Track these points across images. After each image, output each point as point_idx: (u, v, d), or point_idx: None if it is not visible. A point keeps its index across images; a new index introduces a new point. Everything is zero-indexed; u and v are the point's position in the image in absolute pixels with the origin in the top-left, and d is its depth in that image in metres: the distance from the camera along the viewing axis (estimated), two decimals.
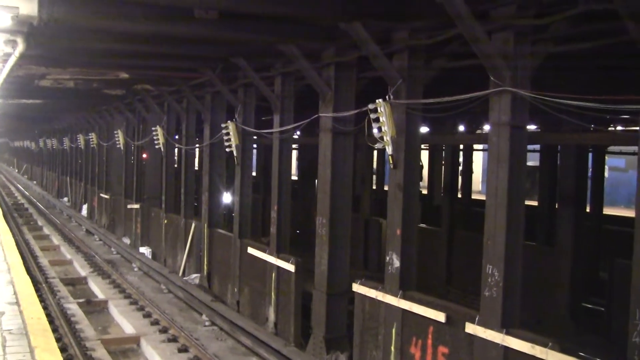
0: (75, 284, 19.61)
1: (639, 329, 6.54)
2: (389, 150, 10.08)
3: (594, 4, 7.10)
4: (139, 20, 10.01)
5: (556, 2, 7.66)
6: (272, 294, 13.96)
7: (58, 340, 11.73)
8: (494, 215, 8.38)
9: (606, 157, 20.32)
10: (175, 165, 24.41)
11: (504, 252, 8.22)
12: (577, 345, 9.59)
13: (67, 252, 24.35)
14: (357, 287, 11.15)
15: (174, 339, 13.81)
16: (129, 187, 27.05)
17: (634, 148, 6.93)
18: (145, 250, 23.48)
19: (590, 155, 17.52)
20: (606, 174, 29.38)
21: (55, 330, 12.83)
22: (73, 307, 15.61)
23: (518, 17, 8.06)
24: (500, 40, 8.23)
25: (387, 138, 10.04)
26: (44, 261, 21.30)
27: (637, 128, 7.04)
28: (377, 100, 10.03)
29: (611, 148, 20.14)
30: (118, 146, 27.56)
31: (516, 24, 8.07)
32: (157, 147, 22.28)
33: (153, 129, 22.20)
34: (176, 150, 23.76)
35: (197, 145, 20.97)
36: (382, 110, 9.97)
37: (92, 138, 32.32)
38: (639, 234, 6.69)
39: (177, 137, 22.47)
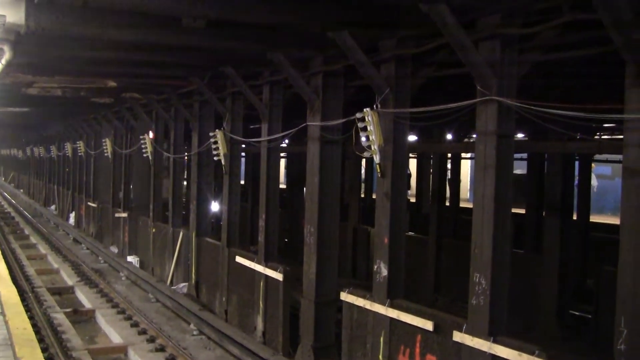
0: (62, 293, 19.51)
1: (624, 336, 6.56)
2: (376, 159, 10.09)
3: (578, 13, 7.15)
4: (127, 29, 10.01)
5: (542, 11, 7.71)
6: (261, 302, 13.94)
7: (44, 350, 11.68)
8: (481, 223, 8.40)
9: (593, 165, 20.43)
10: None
11: (491, 260, 8.24)
12: (564, 353, 9.62)
13: (54, 261, 24.22)
14: (345, 296, 11.14)
15: (161, 349, 13.75)
16: (117, 195, 26.95)
17: (620, 156, 6.99)
18: (133, 259, 23.38)
19: (577, 163, 17.63)
20: (594, 182, 29.55)
21: (41, 340, 12.77)
22: (60, 316, 15.55)
23: (504, 26, 8.10)
24: (487, 49, 8.27)
25: (374, 147, 10.06)
26: (30, 270, 21.23)
27: (623, 137, 7.11)
28: (364, 109, 10.05)
29: (598, 156, 20.24)
30: (106, 154, 27.47)
31: (502, 33, 8.11)
32: (145, 155, 22.23)
33: (141, 137, 22.16)
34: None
35: (186, 153, 20.94)
36: (370, 119, 9.99)
37: (79, 146, 32.22)
38: (625, 241, 6.72)
39: (165, 145, 22.45)
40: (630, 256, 6.60)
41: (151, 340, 14.33)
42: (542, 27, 7.77)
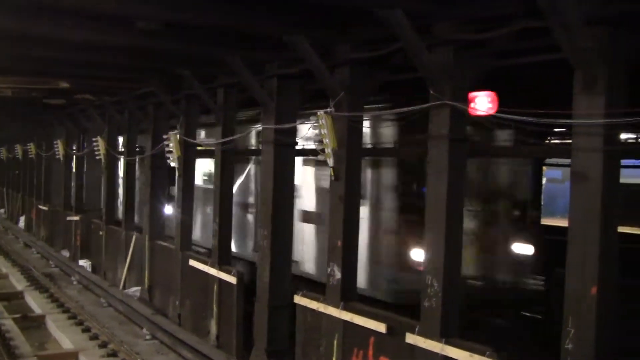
0: (11, 298, 19.13)
1: (571, 336, 6.69)
2: (330, 162, 10.13)
3: (529, 21, 7.27)
4: (79, 30, 9.91)
5: (497, 18, 7.82)
6: (214, 306, 13.87)
7: None
8: (433, 226, 8.49)
9: (544, 169, 20.72)
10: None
11: (443, 263, 8.33)
12: (516, 353, 9.73)
13: (2, 266, 23.80)
14: (298, 299, 11.16)
15: (113, 354, 13.62)
16: (69, 198, 26.59)
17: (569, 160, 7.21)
18: (85, 263, 23.07)
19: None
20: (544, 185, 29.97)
21: None
22: (8, 322, 15.29)
23: (458, 32, 8.20)
24: (441, 55, 8.37)
25: (328, 150, 10.10)
26: None
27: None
28: (318, 113, 10.09)
29: (549, 160, 20.54)
30: (58, 157, 27.06)
31: (456, 38, 8.22)
32: (97, 157, 21.97)
33: (94, 139, 21.90)
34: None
35: (139, 156, 20.74)
36: (324, 122, 10.02)
37: (30, 148, 31.71)
38: (573, 243, 6.86)
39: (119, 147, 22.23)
40: (578, 258, 6.73)
41: (103, 345, 14.16)
42: (495, 34, 7.88)
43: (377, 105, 11.54)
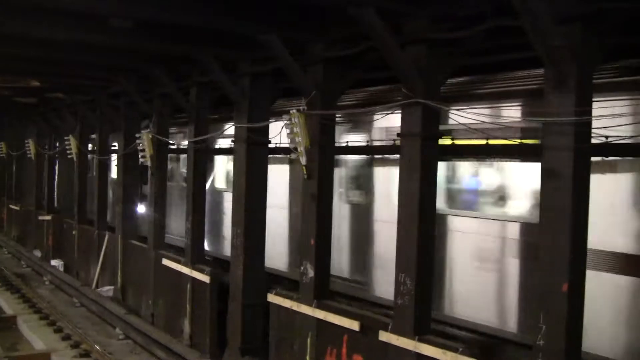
0: None
1: (543, 332, 6.73)
2: (302, 160, 10.12)
3: (502, 20, 7.31)
4: (52, 27, 9.82)
5: (469, 16, 7.85)
6: (188, 305, 13.80)
7: None
8: (406, 224, 8.51)
9: None
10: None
11: (415, 261, 8.35)
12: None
13: None
14: (272, 298, 11.13)
15: (86, 354, 13.53)
16: (41, 197, 26.33)
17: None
18: (57, 263, 22.88)
19: None
20: None
21: None
22: None
23: (430, 31, 8.22)
24: (413, 53, 8.37)
25: (300, 148, 10.08)
26: None
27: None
28: (291, 111, 10.07)
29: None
30: (29, 156, 26.80)
31: (429, 37, 8.23)
32: (70, 156, 21.79)
33: (66, 138, 21.72)
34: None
35: (111, 155, 20.60)
36: (296, 120, 10.00)
37: (1, 147, 31.37)
38: (543, 240, 6.88)
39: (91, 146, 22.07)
40: (547, 255, 6.77)
41: (76, 345, 14.06)
42: (467, 33, 7.91)
43: (349, 103, 11.55)
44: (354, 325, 9.31)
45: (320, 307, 10.04)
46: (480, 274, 9.33)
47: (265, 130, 11.96)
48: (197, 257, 13.86)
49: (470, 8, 7.75)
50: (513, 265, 8.99)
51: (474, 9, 7.67)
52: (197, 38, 10.67)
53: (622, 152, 7.80)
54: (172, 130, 17.19)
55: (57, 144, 24.32)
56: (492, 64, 10.07)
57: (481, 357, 7.66)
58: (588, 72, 6.74)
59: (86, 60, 13.34)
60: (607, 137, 7.19)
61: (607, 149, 7.54)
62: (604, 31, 6.65)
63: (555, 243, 6.70)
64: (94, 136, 21.41)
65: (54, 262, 23.01)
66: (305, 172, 10.22)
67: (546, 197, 6.84)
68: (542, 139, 6.88)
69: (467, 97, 9.52)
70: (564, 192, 6.64)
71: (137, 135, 16.09)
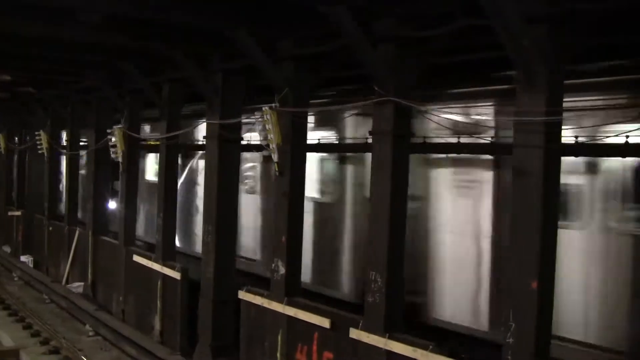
0: None
1: (512, 330, 6.78)
2: (274, 157, 10.11)
3: (472, 19, 7.33)
4: (21, 22, 9.71)
5: (439, 15, 7.87)
6: (158, 302, 13.73)
7: None
8: (377, 222, 8.53)
9: None
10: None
11: (386, 259, 8.37)
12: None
13: None
14: (243, 295, 11.12)
15: (55, 351, 13.41)
16: (10, 193, 26.04)
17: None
18: (26, 258, 22.66)
19: None
20: None
21: None
22: None
23: (400, 29, 8.23)
24: (384, 51, 8.40)
25: (273, 145, 10.06)
26: None
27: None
28: (263, 108, 10.05)
29: None
30: None
31: (399, 35, 8.25)
32: (40, 152, 21.57)
33: (37, 133, 21.48)
34: None
35: (82, 150, 20.41)
36: (268, 117, 9.98)
37: None
38: (513, 238, 6.94)
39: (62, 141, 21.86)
40: (517, 253, 6.82)
41: (45, 342, 13.94)
42: (437, 31, 7.92)
43: (321, 100, 11.56)
44: (325, 323, 9.32)
45: (290, 304, 10.04)
46: None
47: (238, 127, 11.92)
48: (167, 254, 13.79)
49: (440, 7, 7.78)
50: None
51: (444, 8, 7.70)
52: (167, 34, 10.57)
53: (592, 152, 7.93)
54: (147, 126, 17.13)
55: (28, 139, 24.05)
56: (466, 62, 10.11)
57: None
58: (558, 73, 6.78)
59: (56, 55, 13.20)
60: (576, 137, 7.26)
61: (578, 148, 7.62)
62: (573, 32, 6.70)
63: (525, 241, 6.74)
64: (65, 131, 21.23)
65: (23, 258, 22.78)
66: (276, 169, 10.21)
67: (516, 195, 6.89)
68: (513, 138, 6.91)
69: (440, 97, 9.59)
70: (533, 190, 6.68)
71: (108, 130, 15.97)
